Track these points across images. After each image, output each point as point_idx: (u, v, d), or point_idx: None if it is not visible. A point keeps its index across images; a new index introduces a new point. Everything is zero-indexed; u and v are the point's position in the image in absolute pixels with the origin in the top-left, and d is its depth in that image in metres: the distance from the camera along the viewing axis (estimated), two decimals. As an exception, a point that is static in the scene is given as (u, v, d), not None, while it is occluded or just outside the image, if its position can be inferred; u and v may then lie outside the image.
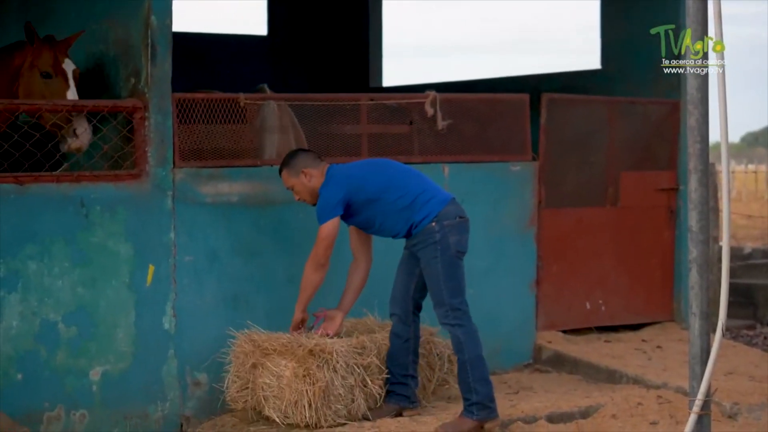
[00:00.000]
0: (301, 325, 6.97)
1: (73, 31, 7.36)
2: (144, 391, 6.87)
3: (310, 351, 6.59)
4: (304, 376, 6.55)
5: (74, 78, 6.92)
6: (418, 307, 7.03)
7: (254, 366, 6.69)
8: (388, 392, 7.00)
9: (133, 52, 6.98)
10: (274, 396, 6.61)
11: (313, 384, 6.54)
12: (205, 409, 6.95)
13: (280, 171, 7.00)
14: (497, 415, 6.83)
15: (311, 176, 6.90)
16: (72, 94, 6.83)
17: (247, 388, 6.73)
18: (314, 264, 6.84)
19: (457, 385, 7.00)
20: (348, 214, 6.88)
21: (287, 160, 6.99)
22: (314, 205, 6.93)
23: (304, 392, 6.54)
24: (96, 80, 7.36)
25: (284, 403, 6.58)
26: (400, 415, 7.00)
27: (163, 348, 6.94)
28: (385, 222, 6.89)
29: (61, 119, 6.72)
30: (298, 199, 7.01)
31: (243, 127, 7.45)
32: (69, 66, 6.94)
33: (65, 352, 6.63)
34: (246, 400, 6.77)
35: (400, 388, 6.99)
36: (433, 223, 6.77)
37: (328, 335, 6.94)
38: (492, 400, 6.81)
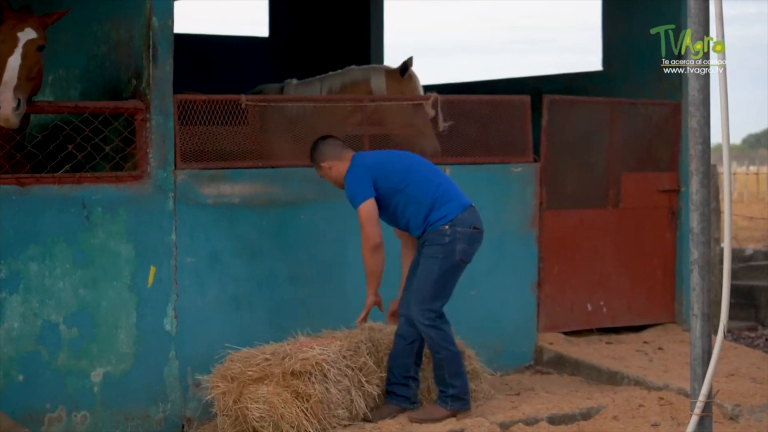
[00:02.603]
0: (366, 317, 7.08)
1: (75, 34, 7.38)
2: (145, 392, 6.87)
3: (292, 372, 6.54)
4: (294, 398, 6.53)
5: (27, 46, 6.55)
6: None
7: (236, 402, 6.60)
8: (388, 392, 7.01)
9: (135, 53, 6.98)
10: (274, 423, 6.51)
11: (307, 401, 6.53)
12: (206, 410, 6.95)
13: (311, 164, 7.13)
14: (470, 407, 6.97)
15: (332, 167, 6.99)
16: (14, 60, 6.45)
17: (238, 420, 6.65)
18: (369, 247, 6.83)
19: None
20: None
21: (310, 154, 7.10)
22: (342, 188, 7.00)
23: (301, 411, 6.51)
24: (97, 82, 7.37)
25: (284, 428, 6.50)
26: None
27: (164, 349, 6.94)
28: (404, 213, 6.92)
29: None
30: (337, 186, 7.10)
31: (244, 129, 7.45)
32: (27, 34, 6.59)
33: (66, 353, 6.63)
34: None
35: (401, 389, 7.00)
36: (447, 226, 6.83)
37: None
38: (466, 392, 6.95)
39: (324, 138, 7.15)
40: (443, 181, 7.00)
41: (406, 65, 8.25)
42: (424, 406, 7.06)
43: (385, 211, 6.96)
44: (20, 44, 6.53)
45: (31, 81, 6.51)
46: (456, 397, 6.92)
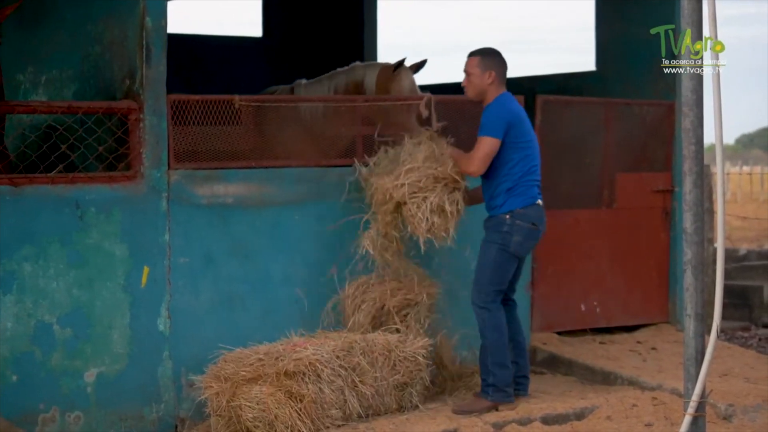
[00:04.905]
0: None
1: (69, 34, 7.36)
2: (139, 392, 6.86)
3: (285, 372, 6.55)
4: (288, 398, 6.53)
5: None
6: (505, 299, 7.32)
7: (229, 402, 6.59)
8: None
9: (129, 53, 6.98)
10: (267, 423, 6.51)
11: (301, 401, 6.53)
12: (200, 410, 6.94)
13: (474, 53, 7.23)
14: (512, 400, 7.14)
15: (492, 81, 7.17)
16: None
17: (232, 420, 6.64)
18: (465, 168, 7.17)
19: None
20: None
21: (488, 51, 7.24)
22: (470, 98, 7.27)
23: (295, 411, 6.52)
24: (91, 82, 7.36)
25: (277, 429, 6.50)
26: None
27: (158, 349, 6.93)
28: (506, 173, 7.13)
29: None
30: (463, 85, 7.24)
31: (238, 129, 7.45)
32: None
33: (60, 353, 6.62)
34: None
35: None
36: (507, 216, 7.08)
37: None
38: (508, 385, 7.12)
39: (503, 58, 7.31)
40: (532, 170, 7.18)
41: (400, 63, 8.24)
42: (468, 397, 7.24)
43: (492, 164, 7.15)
44: None
45: None
46: (496, 387, 7.08)
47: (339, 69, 8.44)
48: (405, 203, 7.17)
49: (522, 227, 7.09)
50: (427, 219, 7.14)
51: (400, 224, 7.34)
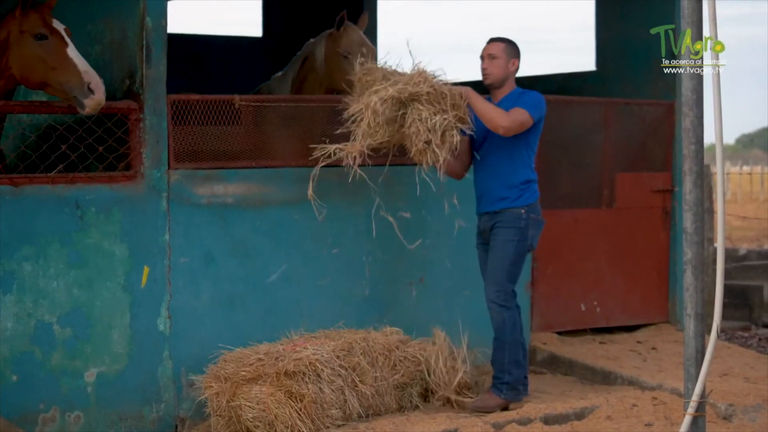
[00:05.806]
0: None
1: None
2: (139, 392, 6.86)
3: (286, 372, 6.56)
4: (288, 398, 6.54)
5: (68, 35, 6.52)
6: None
7: (229, 402, 6.60)
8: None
9: (129, 53, 6.98)
10: (267, 423, 6.52)
11: (301, 401, 6.53)
12: (200, 410, 6.94)
13: (499, 39, 7.27)
14: (521, 398, 7.21)
15: (515, 70, 7.26)
16: (73, 51, 6.42)
17: (232, 420, 6.65)
18: (497, 119, 7.00)
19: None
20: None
21: (512, 41, 7.29)
22: (491, 82, 7.21)
23: (295, 411, 6.52)
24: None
25: (277, 429, 6.50)
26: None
27: (158, 349, 6.93)
28: (511, 166, 7.16)
29: (72, 79, 6.32)
30: (484, 67, 7.24)
31: (238, 129, 7.44)
32: (59, 24, 6.55)
33: (60, 353, 6.62)
34: None
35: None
36: (523, 210, 7.14)
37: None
38: (522, 383, 7.20)
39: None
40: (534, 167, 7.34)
41: (341, 20, 8.15)
42: (480, 395, 7.24)
43: (504, 152, 7.17)
44: (64, 34, 6.49)
45: None
46: (511, 386, 7.14)
47: (298, 53, 8.44)
48: (420, 102, 6.89)
49: (536, 220, 7.20)
50: (429, 131, 6.84)
51: (391, 130, 7.00)
